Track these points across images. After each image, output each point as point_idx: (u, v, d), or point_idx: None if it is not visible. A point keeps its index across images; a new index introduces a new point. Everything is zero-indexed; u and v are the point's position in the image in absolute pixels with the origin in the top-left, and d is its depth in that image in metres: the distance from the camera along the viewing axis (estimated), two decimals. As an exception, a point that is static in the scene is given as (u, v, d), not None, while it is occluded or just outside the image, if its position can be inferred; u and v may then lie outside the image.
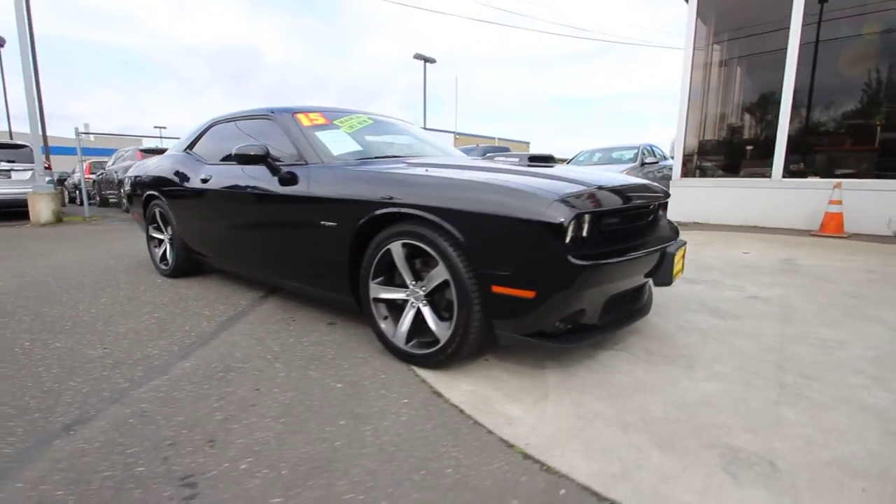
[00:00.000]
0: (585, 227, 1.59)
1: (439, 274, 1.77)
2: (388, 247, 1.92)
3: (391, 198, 1.86)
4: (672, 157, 10.09)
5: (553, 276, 1.53)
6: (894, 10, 5.43)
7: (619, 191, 1.82)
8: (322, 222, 2.14)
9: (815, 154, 6.07)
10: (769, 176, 5.91)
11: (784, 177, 5.82)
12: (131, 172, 3.89)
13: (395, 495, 1.18)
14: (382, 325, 2.04)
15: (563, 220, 1.48)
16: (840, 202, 5.10)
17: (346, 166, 2.22)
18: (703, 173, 6.89)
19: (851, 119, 5.80)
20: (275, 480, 1.24)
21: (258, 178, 2.49)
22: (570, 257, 1.50)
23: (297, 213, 2.27)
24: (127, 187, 3.94)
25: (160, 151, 9.13)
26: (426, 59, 21.36)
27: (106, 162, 10.69)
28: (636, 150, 8.36)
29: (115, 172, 9.11)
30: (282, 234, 2.43)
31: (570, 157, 10.03)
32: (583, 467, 1.30)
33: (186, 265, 3.39)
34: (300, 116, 2.58)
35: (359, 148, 2.49)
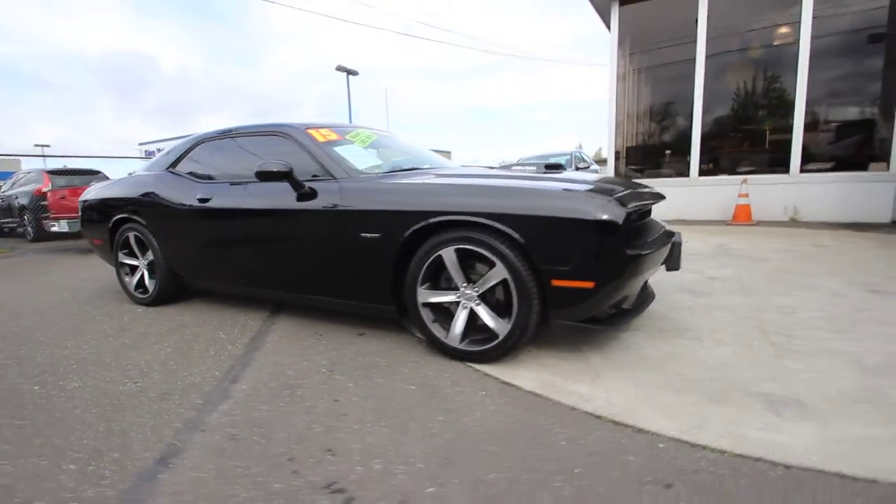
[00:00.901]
0: (630, 223, 1.85)
1: (497, 274, 1.93)
2: (438, 253, 2.04)
3: (445, 207, 1.99)
4: (594, 163, 11.12)
5: (611, 267, 1.77)
6: (766, 28, 6.56)
7: (639, 193, 2.11)
8: (362, 234, 2.20)
9: (720, 155, 7.08)
10: (687, 175, 6.80)
11: (700, 175, 6.73)
12: (89, 195, 3.54)
13: (531, 468, 1.32)
14: (432, 328, 2.14)
15: (619, 218, 1.73)
16: (747, 195, 6.04)
17: (382, 180, 2.30)
18: (633, 175, 7.70)
19: (747, 125, 6.87)
20: (417, 473, 1.32)
21: (277, 194, 2.47)
22: (626, 250, 1.75)
23: (332, 227, 2.29)
24: (83, 212, 3.58)
25: (73, 172, 8.18)
26: (349, 72, 21.15)
27: (-4, 186, 9.29)
28: (569, 157, 9.10)
29: (16, 198, 7.96)
30: (310, 249, 2.42)
31: (511, 164, 10.59)
32: (666, 425, 1.53)
33: (171, 291, 3.18)
34: (313, 132, 2.60)
35: (379, 162, 2.58)
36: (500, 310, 2.01)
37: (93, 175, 8.26)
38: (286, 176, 2.34)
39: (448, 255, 2.03)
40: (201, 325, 2.77)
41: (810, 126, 6.13)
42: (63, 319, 3.02)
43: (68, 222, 6.03)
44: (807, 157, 6.14)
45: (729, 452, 1.38)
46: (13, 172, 9.84)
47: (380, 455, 1.42)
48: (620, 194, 1.85)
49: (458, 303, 2.09)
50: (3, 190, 8.87)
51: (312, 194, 2.38)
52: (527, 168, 2.62)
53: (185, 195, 2.86)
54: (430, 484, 1.27)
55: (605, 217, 1.73)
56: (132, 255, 3.30)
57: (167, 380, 2.03)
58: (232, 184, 2.73)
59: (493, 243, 1.90)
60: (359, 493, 1.25)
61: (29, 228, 7.69)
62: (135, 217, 3.12)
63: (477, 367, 2.03)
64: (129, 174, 3.58)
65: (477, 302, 2.04)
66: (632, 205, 1.86)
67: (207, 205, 2.73)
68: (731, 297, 2.91)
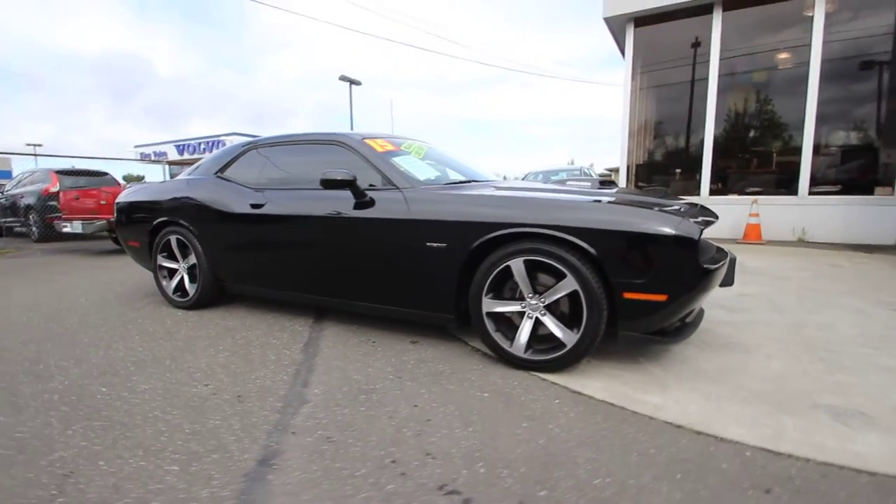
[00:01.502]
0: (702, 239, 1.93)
1: (567, 285, 1.99)
2: (507, 263, 2.09)
3: (518, 219, 2.05)
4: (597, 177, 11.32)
5: (686, 280, 1.84)
6: (771, 51, 6.81)
7: (703, 210, 2.20)
8: (428, 244, 2.25)
9: (728, 175, 7.27)
10: (698, 194, 6.97)
11: (710, 195, 6.91)
12: (128, 197, 3.54)
13: (632, 474, 1.37)
14: (495, 336, 2.19)
15: (696, 234, 1.81)
16: (758, 215, 6.21)
17: (447, 191, 2.36)
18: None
19: (755, 146, 7.09)
20: (522, 477, 1.36)
21: (335, 202, 2.51)
22: (703, 264, 1.83)
23: (397, 235, 2.34)
24: (119, 213, 3.58)
25: (81, 172, 8.11)
26: (352, 81, 21.33)
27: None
28: (577, 172, 9.26)
29: (21, 197, 7.85)
30: (371, 257, 2.46)
31: (521, 177, 10.73)
32: (745, 434, 1.59)
33: (211, 295, 3.18)
34: (370, 143, 2.66)
35: (437, 173, 2.64)
36: (565, 320, 2.06)
37: (100, 176, 8.21)
38: (350, 184, 2.38)
39: (517, 265, 2.08)
40: (249, 330, 2.78)
41: (816, 149, 6.35)
42: (103, 321, 3.00)
43: (82, 223, 5.97)
44: (813, 180, 6.35)
45: (813, 461, 1.44)
46: (8, 171, 9.72)
47: (479, 459, 1.45)
48: (692, 212, 1.93)
49: (522, 313, 2.15)
50: (6, 189, 8.75)
51: (372, 203, 2.43)
52: (581, 183, 2.68)
53: (236, 201, 2.89)
54: (541, 487, 1.31)
55: (683, 233, 1.81)
56: (172, 258, 3.30)
57: (236, 383, 2.04)
58: (286, 190, 2.77)
59: (566, 255, 1.96)
60: (473, 495, 1.28)
61: (34, 228, 7.59)
62: (179, 221, 3.13)
63: (542, 376, 2.08)
64: (172, 178, 3.58)
65: (543, 312, 2.10)
66: (703, 222, 1.94)
67: (260, 211, 2.76)
68: (767, 314, 3.00)
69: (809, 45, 6.06)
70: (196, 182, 3.16)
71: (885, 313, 2.97)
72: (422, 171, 2.60)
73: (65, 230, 6.29)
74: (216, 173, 3.12)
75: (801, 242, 6.21)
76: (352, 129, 21.52)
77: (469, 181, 2.72)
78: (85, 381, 2.07)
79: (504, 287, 2.20)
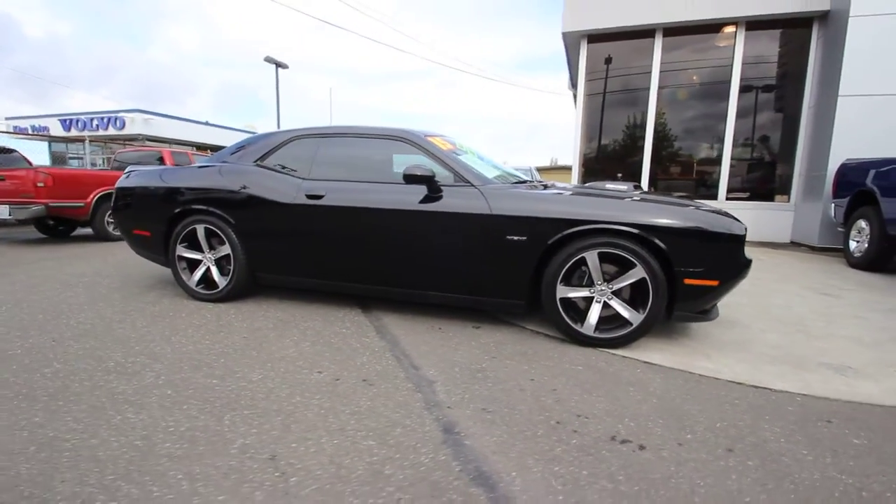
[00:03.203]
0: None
1: (636, 273, 2.36)
2: (582, 255, 2.41)
3: (597, 217, 2.37)
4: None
5: (735, 269, 2.30)
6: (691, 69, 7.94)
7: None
8: (508, 237, 2.48)
9: (658, 181, 8.33)
10: (637, 195, 7.89)
11: (647, 196, 7.87)
12: (133, 182, 3.24)
13: (736, 418, 1.76)
14: (567, 319, 2.50)
15: (743, 231, 2.27)
16: (689, 215, 7.24)
17: (523, 189, 2.60)
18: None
19: (679, 157, 8.20)
20: (666, 427, 1.68)
21: (406, 195, 2.63)
22: (746, 256, 2.30)
23: (477, 229, 2.52)
24: (122, 199, 3.26)
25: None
26: (278, 64, 20.12)
27: None
28: (527, 171, 9.88)
29: None
30: (447, 249, 2.61)
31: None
32: (788, 386, 2.08)
33: (244, 287, 3.09)
34: (433, 140, 2.80)
35: (498, 172, 2.86)
36: (629, 303, 2.44)
37: (7, 153, 7.06)
38: (429, 180, 2.53)
39: (591, 257, 2.41)
40: (307, 321, 2.78)
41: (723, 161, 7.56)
42: (126, 316, 2.79)
43: (11, 207, 5.14)
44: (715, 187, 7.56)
45: (840, 400, 1.96)
46: None
47: (622, 416, 1.75)
48: (732, 213, 2.41)
49: (590, 297, 2.48)
50: None
51: (443, 198, 2.60)
52: (620, 186, 3.06)
53: (287, 190, 2.85)
54: (685, 432, 1.65)
55: (737, 231, 2.26)
56: (194, 248, 3.13)
57: (344, 368, 2.12)
58: (351, 182, 2.80)
59: (636, 248, 2.33)
60: (644, 441, 1.58)
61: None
62: (211, 209, 2.98)
63: (611, 351, 2.43)
64: (197, 164, 3.35)
65: (609, 296, 2.45)
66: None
67: (321, 202, 2.76)
68: (738, 298, 3.66)
69: (731, 69, 7.20)
70: (234, 170, 3.02)
71: (817, 296, 3.80)
72: (487, 170, 2.81)
73: (-19, 216, 5.38)
74: (256, 161, 3.02)
75: (720, 240, 7.38)
76: (278, 115, 20.23)
77: (525, 181, 2.98)
78: (184, 375, 2.00)
79: (573, 275, 2.51)
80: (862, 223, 4.91)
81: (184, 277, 3.15)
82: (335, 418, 1.68)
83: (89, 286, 3.52)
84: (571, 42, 8.04)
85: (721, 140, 7.43)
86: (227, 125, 27.19)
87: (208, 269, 3.11)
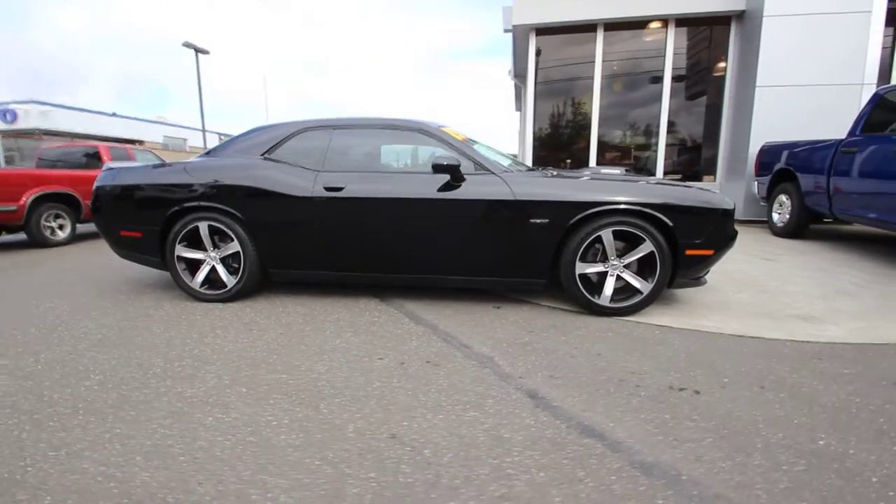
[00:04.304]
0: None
1: (645, 248, 2.65)
2: (598, 234, 2.66)
3: (614, 198, 2.61)
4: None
5: (727, 239, 2.67)
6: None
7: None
8: (532, 220, 2.66)
9: (603, 164, 8.96)
10: (586, 180, 8.46)
11: (595, 180, 8.45)
12: (119, 179, 2.96)
13: (755, 362, 2.10)
14: (585, 292, 2.74)
15: (733, 206, 2.64)
16: (633, 196, 7.91)
17: (542, 176, 2.77)
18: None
19: (622, 141, 8.89)
20: (707, 374, 1.97)
21: (428, 184, 2.71)
22: (735, 227, 2.67)
23: (502, 214, 2.67)
24: (103, 198, 2.99)
25: None
26: (198, 50, 18.60)
27: None
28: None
29: None
30: (472, 235, 2.72)
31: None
32: (778, 335, 2.47)
33: (255, 284, 3.00)
34: (448, 131, 2.89)
35: (508, 161, 3.01)
36: (638, 274, 2.74)
37: None
38: (455, 169, 2.63)
39: (606, 235, 2.66)
40: (334, 314, 2.78)
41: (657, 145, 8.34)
42: (135, 322, 2.62)
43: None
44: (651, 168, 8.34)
45: (818, 342, 2.39)
46: None
47: (667, 370, 2.01)
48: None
49: (604, 272, 2.74)
50: None
51: (461, 185, 2.72)
52: (613, 171, 3.34)
53: (302, 183, 2.80)
54: (722, 377, 1.94)
55: (728, 206, 2.62)
56: (195, 247, 2.97)
57: (403, 353, 2.19)
58: (370, 173, 2.81)
59: (645, 226, 2.62)
60: (695, 387, 1.84)
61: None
62: (216, 205, 2.84)
63: (626, 319, 2.72)
64: (197, 158, 3.12)
65: (622, 270, 2.73)
66: (723, 198, 2.80)
67: (340, 194, 2.75)
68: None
69: (664, 61, 7.90)
70: (242, 164, 2.89)
71: (762, 261, 4.41)
72: (502, 159, 2.96)
73: None
74: (263, 155, 2.92)
75: (660, 218, 8.16)
76: (201, 106, 18.79)
77: (534, 168, 3.17)
78: (248, 373, 1.97)
79: (588, 253, 2.76)
80: (783, 198, 5.71)
81: (183, 278, 2.98)
82: (425, 397, 1.77)
83: (64, 296, 3.19)
84: (520, 34, 8.33)
85: (658, 126, 8.16)
86: (136, 116, 24.77)
87: (213, 268, 2.98)
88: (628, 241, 2.71)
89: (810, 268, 4.07)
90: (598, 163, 8.57)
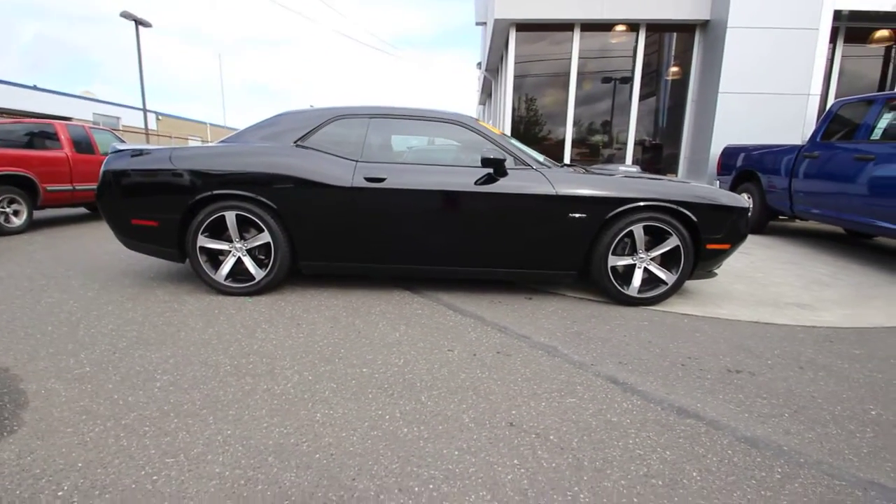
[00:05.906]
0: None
1: (671, 242, 2.85)
2: (630, 229, 2.82)
3: (650, 195, 2.77)
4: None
5: (741, 234, 2.92)
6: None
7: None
8: (571, 215, 2.77)
9: (575, 160, 9.32)
10: (560, 174, 8.77)
11: (568, 175, 8.78)
12: (134, 164, 2.71)
13: (776, 345, 2.34)
14: (616, 283, 2.90)
15: (749, 204, 2.89)
16: (605, 192, 8.31)
17: (575, 172, 2.88)
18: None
19: (587, 138, 9.28)
20: (754, 356, 2.18)
21: (473, 177, 2.74)
22: (748, 224, 2.93)
23: (543, 208, 2.75)
24: (114, 185, 2.73)
25: None
26: (139, 22, 16.99)
27: None
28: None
29: None
30: (513, 227, 2.79)
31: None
32: (787, 321, 2.77)
33: (284, 277, 2.89)
34: (484, 124, 2.93)
35: (542, 156, 3.09)
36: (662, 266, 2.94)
37: None
38: (501, 163, 2.68)
39: (637, 230, 2.83)
40: (376, 307, 2.75)
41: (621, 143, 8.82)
42: (165, 318, 2.45)
43: None
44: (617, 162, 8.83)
45: (822, 327, 2.70)
46: None
47: (714, 354, 2.20)
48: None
49: (633, 265, 2.92)
50: None
51: (500, 180, 2.78)
52: (630, 169, 3.53)
53: (344, 174, 2.72)
54: (765, 359, 2.16)
55: (744, 204, 2.87)
56: (218, 238, 2.81)
57: (467, 344, 2.23)
58: (411, 164, 2.78)
59: (673, 221, 2.81)
60: (748, 369, 2.04)
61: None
62: (247, 194, 2.70)
63: (652, 308, 2.91)
64: (220, 142, 2.91)
65: (649, 262, 2.92)
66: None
67: (382, 185, 2.71)
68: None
69: (633, 62, 8.32)
70: (276, 151, 2.75)
71: (739, 254, 4.84)
72: (535, 154, 3.03)
73: None
74: (296, 142, 2.80)
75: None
76: (142, 81, 17.38)
77: (566, 164, 3.27)
78: (325, 368, 1.93)
79: (618, 246, 2.92)
80: (745, 196, 6.26)
81: (205, 270, 2.82)
82: (516, 386, 1.83)
83: (63, 290, 2.90)
84: (500, 29, 8.42)
85: (627, 125, 8.60)
86: (59, 90, 22.39)
87: (239, 259, 2.84)
88: (653, 236, 2.90)
89: (781, 261, 4.52)
90: (572, 159, 8.90)
